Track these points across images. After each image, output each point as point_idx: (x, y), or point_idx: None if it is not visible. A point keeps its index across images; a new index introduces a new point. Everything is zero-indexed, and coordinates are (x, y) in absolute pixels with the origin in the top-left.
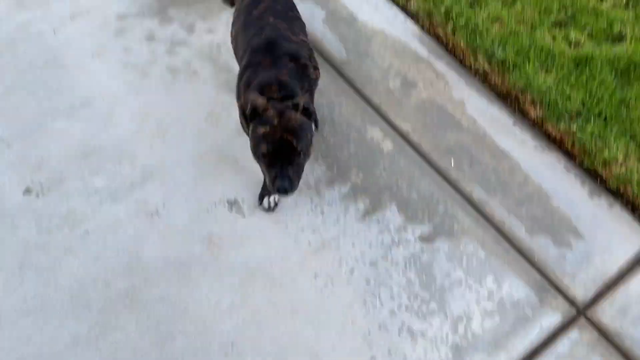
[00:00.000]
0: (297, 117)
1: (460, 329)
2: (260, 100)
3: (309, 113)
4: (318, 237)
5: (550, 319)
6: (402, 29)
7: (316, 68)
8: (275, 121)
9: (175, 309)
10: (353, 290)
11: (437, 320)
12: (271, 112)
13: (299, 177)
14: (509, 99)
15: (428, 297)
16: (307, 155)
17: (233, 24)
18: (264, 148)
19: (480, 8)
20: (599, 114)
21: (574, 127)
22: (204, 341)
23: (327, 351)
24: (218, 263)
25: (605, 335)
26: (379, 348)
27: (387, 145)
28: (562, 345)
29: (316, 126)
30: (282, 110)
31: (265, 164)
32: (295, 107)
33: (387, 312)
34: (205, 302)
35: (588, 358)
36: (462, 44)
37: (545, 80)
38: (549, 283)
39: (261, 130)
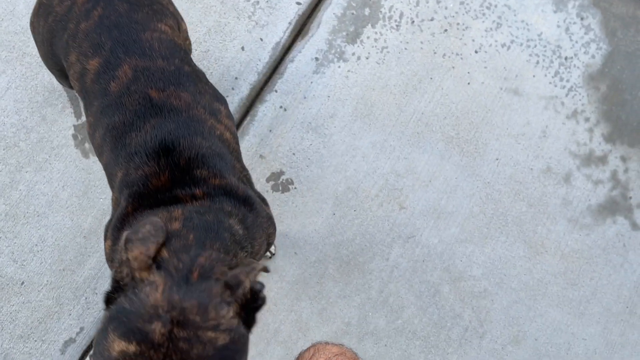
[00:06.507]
0: (220, 325)
1: None
2: (137, 250)
3: (254, 304)
4: None
5: None
6: None
7: (264, 201)
8: (158, 331)
9: None
10: None
11: None
12: (154, 294)
13: None
14: None
15: None
16: None
17: (86, 114)
18: None
19: None
20: None
21: None
22: (3, 7)
23: None
24: None
25: None
26: None
27: None
28: None
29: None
30: (181, 300)
31: None
32: (230, 286)
33: None
34: None
35: None
36: None
37: None
38: None
39: (116, 348)
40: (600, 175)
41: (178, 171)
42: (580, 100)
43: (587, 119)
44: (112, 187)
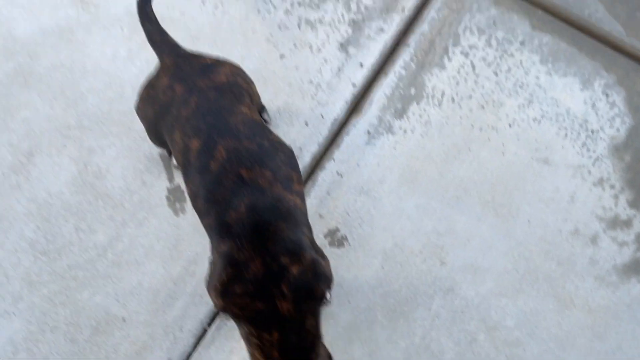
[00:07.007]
0: None
1: (353, 7)
2: None
3: None
4: None
5: None
6: None
7: (324, 257)
8: None
9: (73, 72)
10: (244, 3)
11: (330, 6)
12: None
13: None
14: None
15: None
16: None
17: (186, 181)
18: None
19: None
20: None
21: None
22: (114, 91)
23: None
24: (100, 19)
25: None
26: (284, 45)
27: None
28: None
29: None
30: None
31: None
32: None
33: (282, 12)
34: (102, 57)
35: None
36: None
37: None
38: None
39: None
40: (625, 237)
41: (268, 257)
42: (606, 169)
43: (612, 186)
44: (211, 239)
